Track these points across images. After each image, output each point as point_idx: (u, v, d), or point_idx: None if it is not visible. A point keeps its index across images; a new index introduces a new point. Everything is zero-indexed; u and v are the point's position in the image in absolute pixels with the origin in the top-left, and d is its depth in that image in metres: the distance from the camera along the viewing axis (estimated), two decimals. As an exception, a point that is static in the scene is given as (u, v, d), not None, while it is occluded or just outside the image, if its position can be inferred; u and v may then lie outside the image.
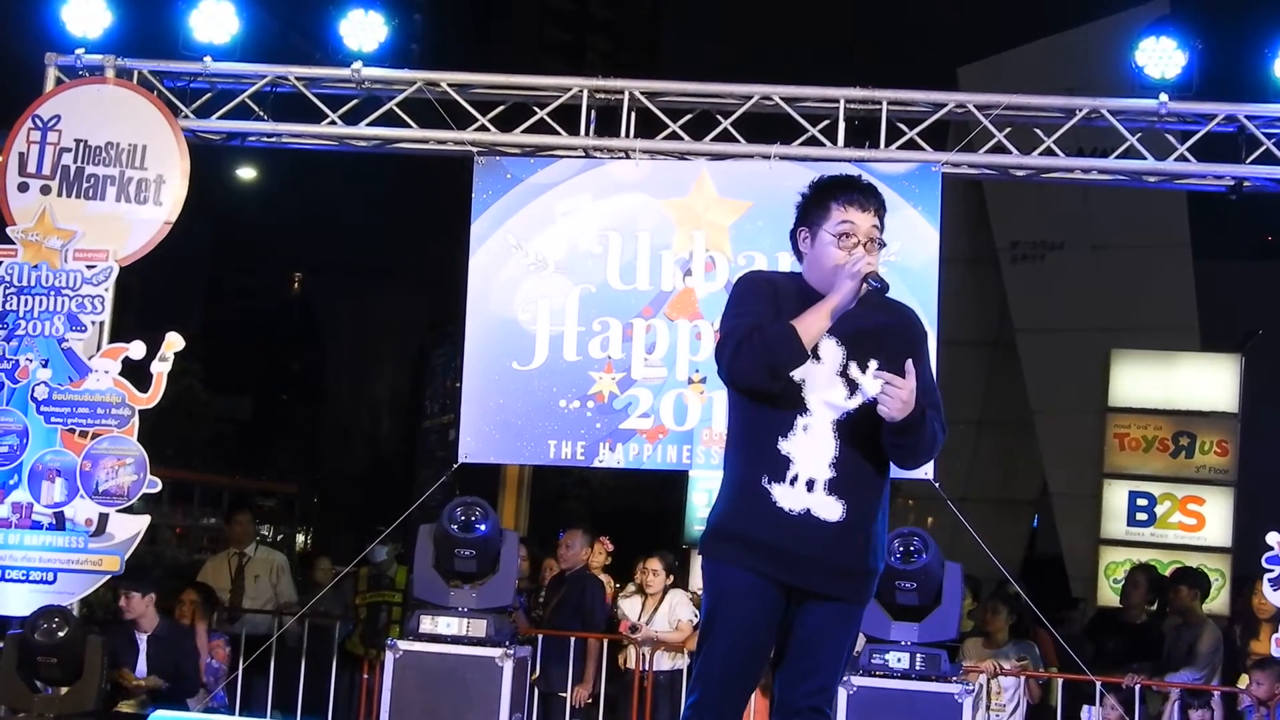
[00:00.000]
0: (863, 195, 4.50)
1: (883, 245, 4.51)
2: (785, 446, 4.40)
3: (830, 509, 4.37)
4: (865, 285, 4.37)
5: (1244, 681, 9.30)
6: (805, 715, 4.45)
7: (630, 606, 10.06)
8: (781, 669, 4.50)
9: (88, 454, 9.24)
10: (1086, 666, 9.43)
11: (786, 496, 4.38)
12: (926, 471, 9.21)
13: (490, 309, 9.65)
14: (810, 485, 4.38)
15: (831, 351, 4.43)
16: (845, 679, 7.84)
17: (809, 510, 4.37)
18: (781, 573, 4.38)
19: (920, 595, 8.10)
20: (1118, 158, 9.61)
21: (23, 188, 9.61)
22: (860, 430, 4.40)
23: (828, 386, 4.41)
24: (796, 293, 4.47)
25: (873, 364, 4.43)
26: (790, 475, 4.38)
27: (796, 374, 4.38)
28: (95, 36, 9.76)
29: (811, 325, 4.33)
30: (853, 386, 4.43)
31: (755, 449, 4.44)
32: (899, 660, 8.02)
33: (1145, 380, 16.13)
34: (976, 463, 18.99)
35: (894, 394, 4.25)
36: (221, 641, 9.87)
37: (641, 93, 9.79)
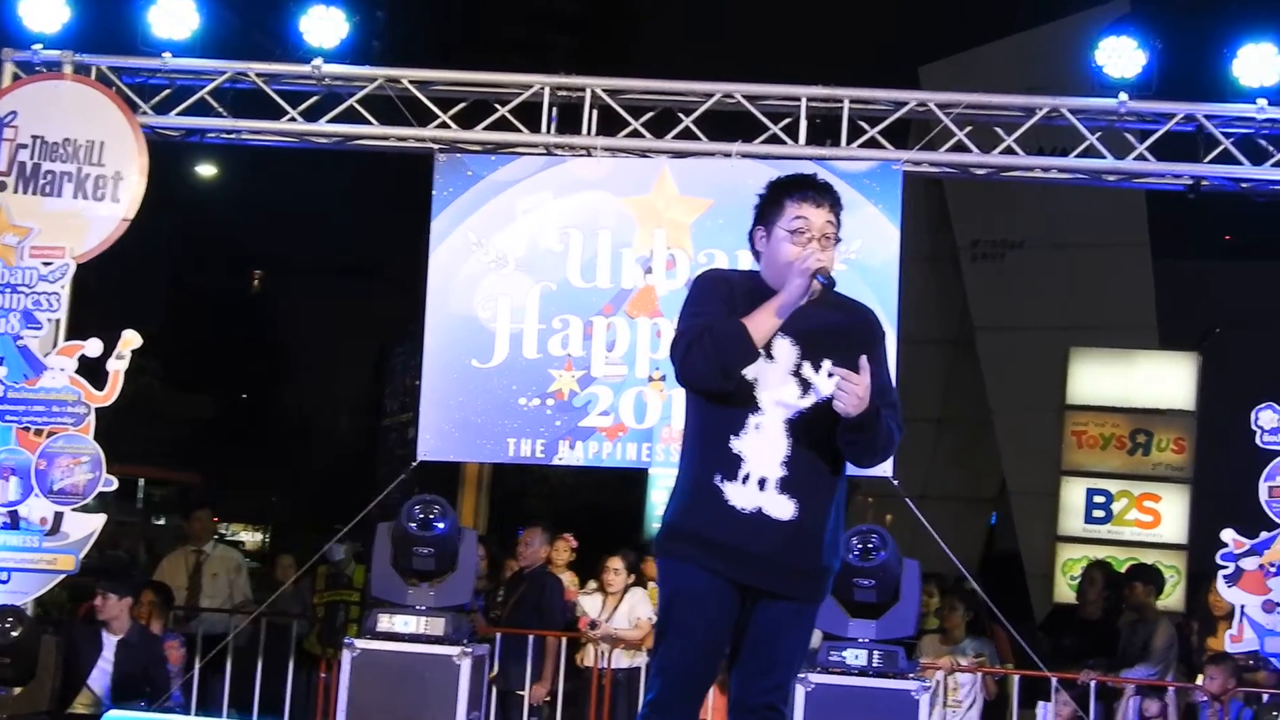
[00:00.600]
0: (817, 192, 4.49)
1: (838, 242, 4.51)
2: (737, 445, 4.40)
3: (782, 508, 4.37)
4: (815, 281, 4.36)
5: (1201, 679, 9.35)
6: (761, 713, 4.46)
7: (590, 604, 10.06)
8: (738, 667, 4.51)
9: (43, 452, 9.16)
10: (1043, 662, 9.48)
11: (738, 495, 4.38)
12: (885, 469, 9.25)
13: (450, 307, 9.63)
14: (762, 484, 4.38)
15: (785, 350, 4.42)
16: (803, 676, 7.86)
17: (760, 509, 4.37)
18: (735, 571, 4.39)
19: (878, 593, 8.12)
20: (1077, 156, 9.66)
21: (-22, 184, 9.55)
22: (813, 429, 4.40)
23: (780, 385, 4.41)
24: (753, 291, 4.46)
25: (826, 363, 4.42)
26: (742, 474, 4.39)
27: (749, 373, 4.37)
28: (53, 32, 9.70)
29: (761, 323, 4.33)
30: (805, 385, 4.42)
31: (709, 448, 4.45)
32: (856, 657, 8.04)
33: (1103, 378, 16.19)
34: (936, 460, 19.03)
35: (849, 390, 4.24)
36: (176, 643, 9.78)
37: (603, 90, 9.79)
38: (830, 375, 4.35)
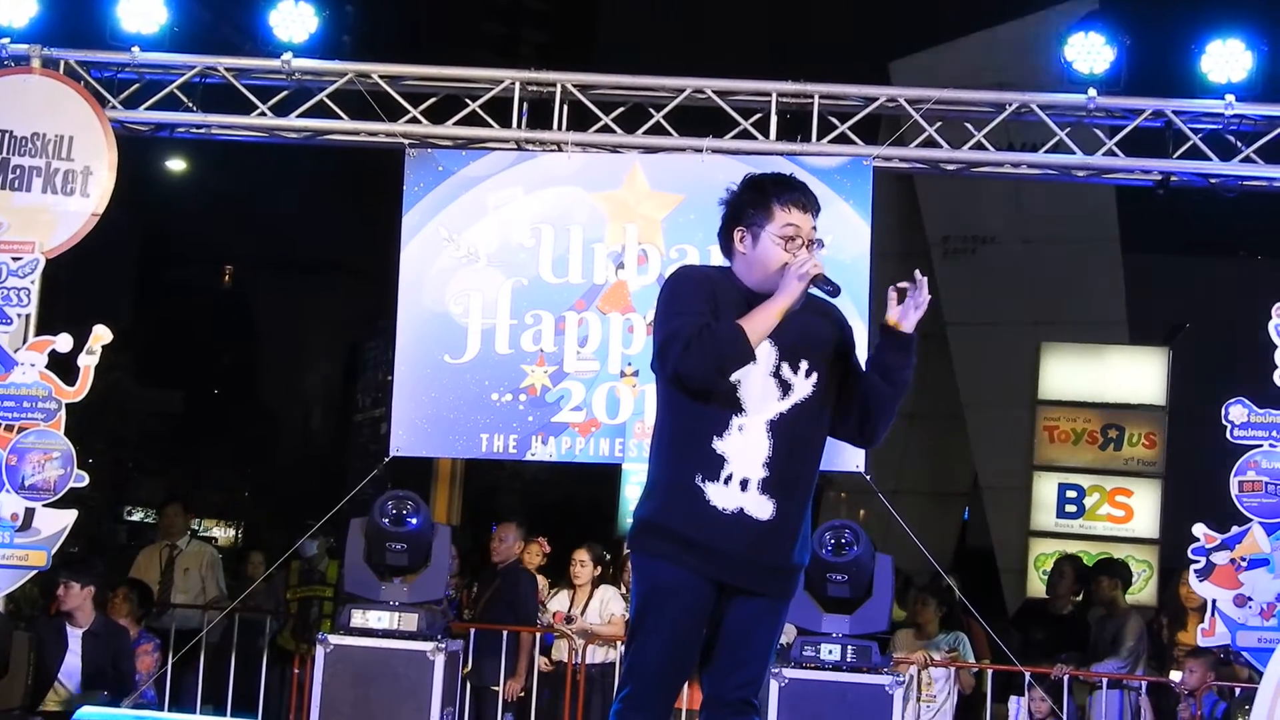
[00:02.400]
0: (804, 196, 4.56)
1: (820, 245, 4.57)
2: (720, 446, 4.43)
3: (762, 508, 4.42)
4: (816, 288, 4.45)
5: (1177, 675, 9.38)
6: (735, 707, 4.50)
7: (558, 603, 10.06)
8: (711, 663, 4.54)
9: (13, 448, 9.13)
10: (1015, 657, 9.51)
11: (720, 495, 4.42)
12: (858, 464, 9.28)
13: (422, 302, 9.62)
14: (744, 485, 4.42)
15: (764, 352, 4.45)
16: (777, 671, 7.89)
17: (742, 509, 4.42)
18: (712, 570, 4.43)
19: (851, 588, 8.14)
20: (1047, 152, 9.68)
21: (-54, 179, 9.50)
22: (793, 431, 4.46)
23: (761, 387, 4.45)
24: (731, 290, 4.51)
25: (804, 364, 4.49)
26: (725, 475, 4.42)
27: (733, 375, 4.41)
28: (20, 26, 9.64)
29: (759, 325, 4.39)
30: (786, 387, 4.48)
31: (689, 448, 4.47)
32: (830, 652, 8.07)
33: (1074, 373, 16.26)
34: (908, 455, 19.06)
35: (922, 302, 4.51)
36: (150, 646, 9.73)
37: (574, 85, 9.78)
38: (911, 291, 4.51)
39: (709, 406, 4.44)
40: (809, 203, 4.56)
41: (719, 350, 4.35)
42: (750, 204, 4.56)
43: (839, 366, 4.59)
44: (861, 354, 4.77)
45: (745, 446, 4.43)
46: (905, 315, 4.52)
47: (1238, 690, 8.95)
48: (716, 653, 4.52)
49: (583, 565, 9.99)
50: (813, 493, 4.59)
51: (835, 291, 4.48)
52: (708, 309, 4.43)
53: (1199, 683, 9.03)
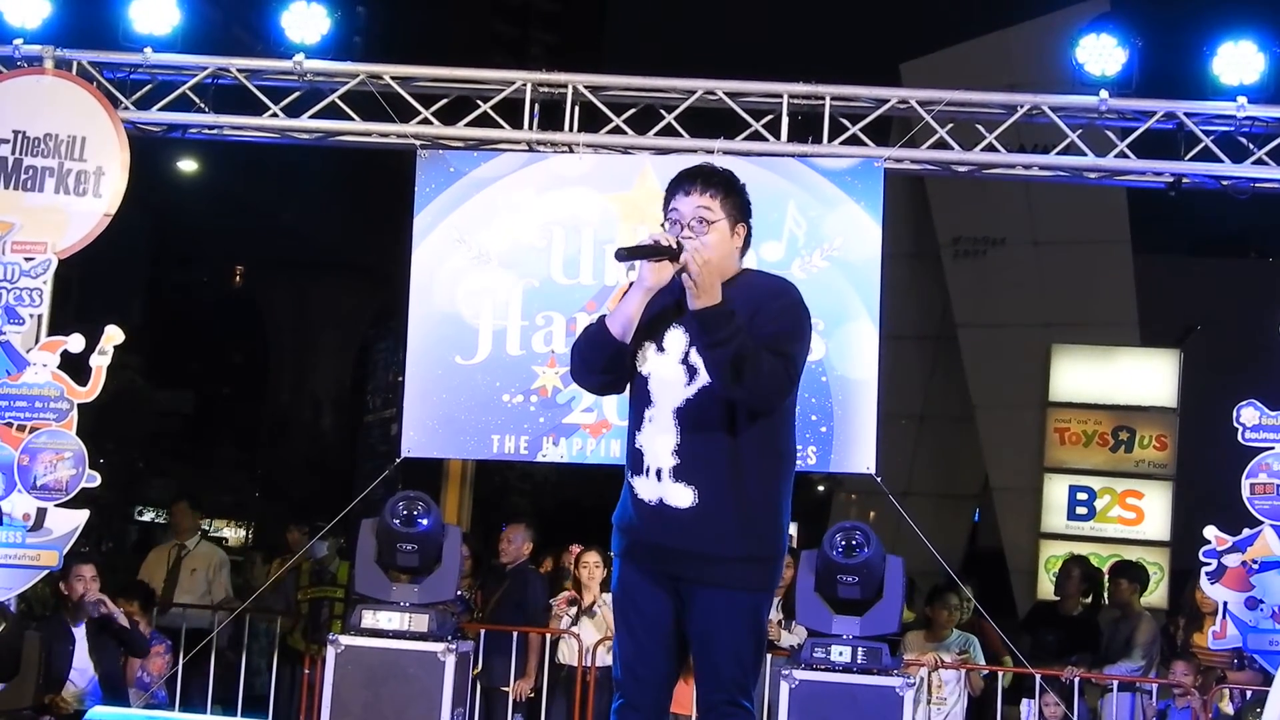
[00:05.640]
0: (690, 180, 4.53)
1: (709, 223, 4.46)
2: (640, 439, 4.52)
3: (680, 496, 4.44)
4: (647, 259, 4.36)
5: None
6: (721, 710, 4.51)
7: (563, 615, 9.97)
8: (695, 670, 4.60)
9: (25, 448, 9.14)
10: (1025, 659, 9.50)
11: (644, 488, 4.50)
12: (869, 466, 9.26)
13: (433, 303, 9.63)
14: (659, 475, 4.46)
15: (676, 339, 4.48)
16: (787, 673, 7.88)
17: (661, 499, 4.46)
18: (655, 563, 4.50)
19: (862, 589, 8.12)
20: (1058, 154, 9.67)
21: (-41, 179, 9.52)
22: (700, 415, 4.43)
23: (670, 376, 4.48)
24: (667, 289, 4.44)
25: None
26: (645, 466, 4.49)
27: (644, 368, 4.49)
28: (34, 27, 9.66)
29: (619, 311, 4.44)
30: (692, 373, 4.45)
31: (627, 444, 4.59)
32: (840, 654, 8.04)
33: (1085, 375, 16.27)
34: (918, 457, 19.07)
35: (692, 248, 4.27)
36: (161, 647, 9.74)
37: (585, 87, 9.78)
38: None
39: (633, 402, 4.54)
40: (694, 186, 4.50)
41: (580, 347, 4.49)
42: (665, 200, 4.60)
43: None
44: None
45: (656, 436, 4.47)
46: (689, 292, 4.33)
47: (1249, 693, 8.93)
48: (694, 659, 4.57)
49: (598, 567, 9.91)
50: (757, 476, 4.45)
51: (660, 252, 4.32)
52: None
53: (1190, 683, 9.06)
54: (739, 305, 4.35)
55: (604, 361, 4.45)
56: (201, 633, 10.14)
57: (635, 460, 4.51)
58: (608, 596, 9.82)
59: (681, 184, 4.54)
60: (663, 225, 4.55)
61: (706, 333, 4.29)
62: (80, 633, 8.88)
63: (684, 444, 4.43)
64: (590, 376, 4.53)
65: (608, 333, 4.42)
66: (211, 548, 12.00)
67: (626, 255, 4.38)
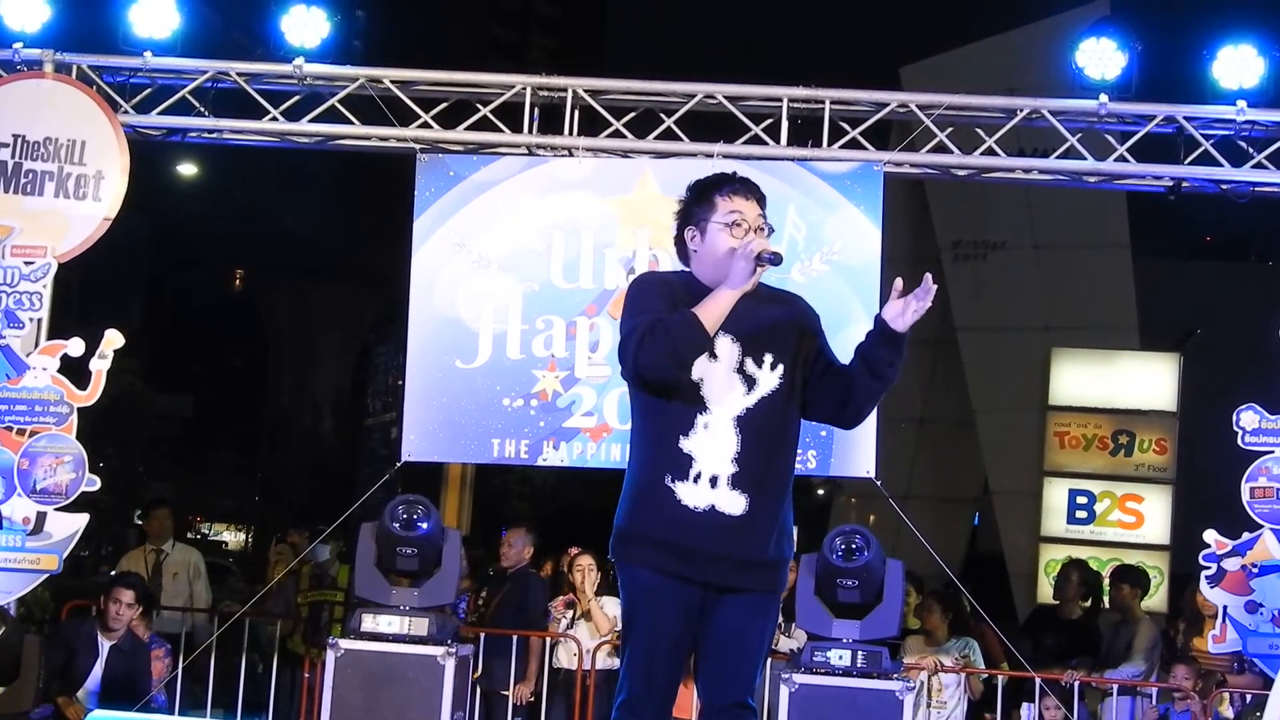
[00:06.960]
0: (744, 186, 4.59)
1: (772, 231, 4.56)
2: (687, 445, 4.46)
3: (734, 504, 4.44)
4: (760, 264, 4.42)
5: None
6: (732, 711, 4.51)
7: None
8: (703, 669, 4.58)
9: (25, 452, 9.14)
10: (1025, 662, 9.50)
11: (690, 494, 4.45)
12: (869, 469, 9.27)
13: (433, 307, 9.63)
14: (714, 481, 4.44)
15: (727, 349, 4.49)
16: (787, 676, 7.88)
17: (713, 506, 4.44)
18: (690, 569, 4.45)
19: (862, 593, 8.12)
20: (1058, 158, 9.68)
21: (-41, 183, 9.52)
22: (761, 425, 4.47)
23: (725, 384, 4.48)
24: (691, 291, 4.51)
25: (768, 357, 4.51)
26: (694, 473, 4.45)
27: (695, 373, 4.45)
28: (33, 31, 9.67)
29: (712, 311, 4.41)
30: (750, 382, 4.49)
31: (657, 449, 4.51)
32: (840, 658, 8.04)
33: (1085, 379, 16.24)
34: (918, 461, 19.05)
35: (925, 302, 4.50)
36: (161, 651, 9.73)
37: (585, 90, 9.79)
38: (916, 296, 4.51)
39: (673, 405, 4.47)
40: (750, 191, 4.58)
41: (673, 339, 4.37)
42: (695, 203, 4.60)
43: (807, 353, 4.59)
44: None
45: (712, 443, 4.45)
46: (903, 313, 4.51)
47: (1249, 696, 8.93)
48: (710, 656, 4.55)
49: (591, 569, 9.91)
50: (790, 484, 4.59)
51: (777, 260, 4.45)
52: (668, 307, 4.46)
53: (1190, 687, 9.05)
54: (772, 318, 4.55)
55: (695, 356, 4.41)
56: (199, 636, 10.13)
57: (677, 465, 4.46)
58: (604, 599, 9.82)
59: (736, 187, 4.58)
60: (692, 226, 4.58)
61: (901, 354, 4.54)
62: (105, 648, 8.88)
63: (745, 452, 4.44)
64: (675, 370, 4.41)
65: (704, 329, 4.38)
66: (188, 550, 11.91)
67: (779, 259, 4.47)
